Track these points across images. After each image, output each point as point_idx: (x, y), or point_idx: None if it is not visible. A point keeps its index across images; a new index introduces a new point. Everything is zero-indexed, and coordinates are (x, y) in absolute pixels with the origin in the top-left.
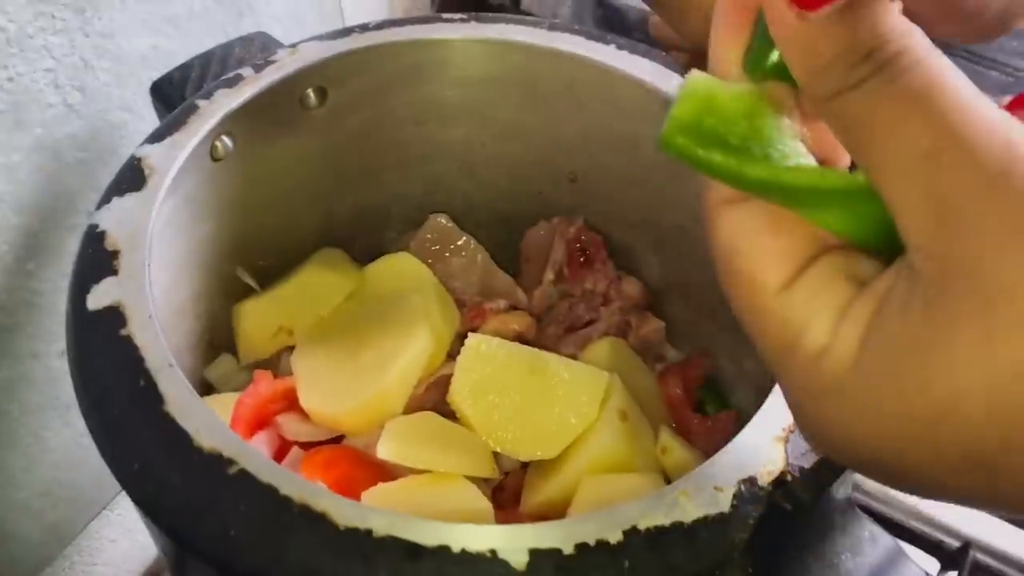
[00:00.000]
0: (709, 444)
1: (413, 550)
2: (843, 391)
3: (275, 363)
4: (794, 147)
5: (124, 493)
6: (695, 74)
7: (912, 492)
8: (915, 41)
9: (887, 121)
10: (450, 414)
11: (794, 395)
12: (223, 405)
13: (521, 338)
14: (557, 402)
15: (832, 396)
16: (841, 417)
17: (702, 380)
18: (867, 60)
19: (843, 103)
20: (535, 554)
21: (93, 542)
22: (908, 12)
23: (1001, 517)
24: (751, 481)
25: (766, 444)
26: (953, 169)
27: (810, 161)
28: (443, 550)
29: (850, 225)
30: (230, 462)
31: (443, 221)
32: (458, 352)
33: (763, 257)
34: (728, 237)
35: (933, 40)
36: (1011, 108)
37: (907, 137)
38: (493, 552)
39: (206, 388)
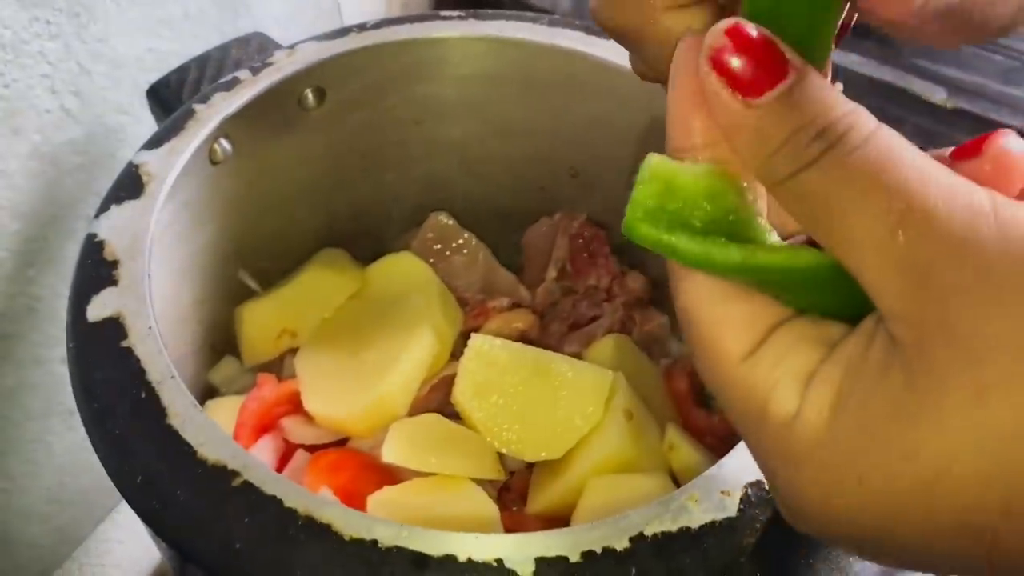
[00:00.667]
0: (716, 440)
1: (419, 560)
2: (817, 457)
3: (278, 365)
4: (758, 225)
5: None
6: (653, 157)
7: (899, 566)
8: (863, 117)
9: (847, 196)
10: (454, 415)
11: (767, 464)
12: (227, 409)
13: (524, 336)
14: (562, 402)
15: (806, 463)
16: (817, 486)
17: None
18: (818, 138)
19: (798, 183)
20: (541, 563)
21: (101, 544)
22: (912, 28)
23: None
24: (759, 485)
25: None
26: (921, 237)
27: (775, 237)
28: (450, 560)
29: (821, 301)
30: (234, 474)
31: (444, 219)
32: (461, 352)
33: (724, 326)
34: (688, 306)
35: (926, 44)
36: (955, 156)
37: (870, 210)
38: (499, 561)
39: (210, 391)
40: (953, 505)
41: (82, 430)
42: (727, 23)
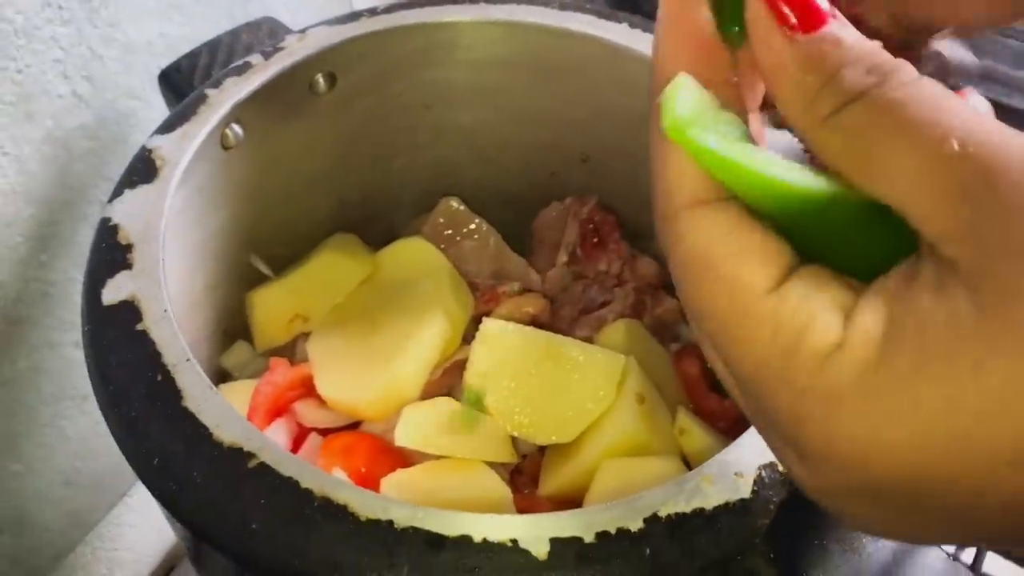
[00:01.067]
0: (727, 424)
1: (435, 541)
2: (867, 387)
3: (291, 350)
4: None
5: None
6: (684, 75)
7: (926, 538)
8: (909, 65)
9: (897, 125)
10: None
11: (798, 406)
12: (240, 393)
13: (535, 321)
14: (573, 386)
15: (851, 395)
16: (863, 418)
17: None
18: (870, 73)
19: (843, 117)
20: (556, 543)
21: (113, 528)
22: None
23: None
24: (772, 467)
25: None
26: (980, 164)
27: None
28: (464, 540)
29: (839, 251)
30: (250, 456)
31: (455, 204)
32: (473, 336)
33: (749, 257)
34: (703, 239)
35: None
36: None
37: (924, 138)
38: (514, 542)
39: (222, 376)
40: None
41: (95, 414)
42: None
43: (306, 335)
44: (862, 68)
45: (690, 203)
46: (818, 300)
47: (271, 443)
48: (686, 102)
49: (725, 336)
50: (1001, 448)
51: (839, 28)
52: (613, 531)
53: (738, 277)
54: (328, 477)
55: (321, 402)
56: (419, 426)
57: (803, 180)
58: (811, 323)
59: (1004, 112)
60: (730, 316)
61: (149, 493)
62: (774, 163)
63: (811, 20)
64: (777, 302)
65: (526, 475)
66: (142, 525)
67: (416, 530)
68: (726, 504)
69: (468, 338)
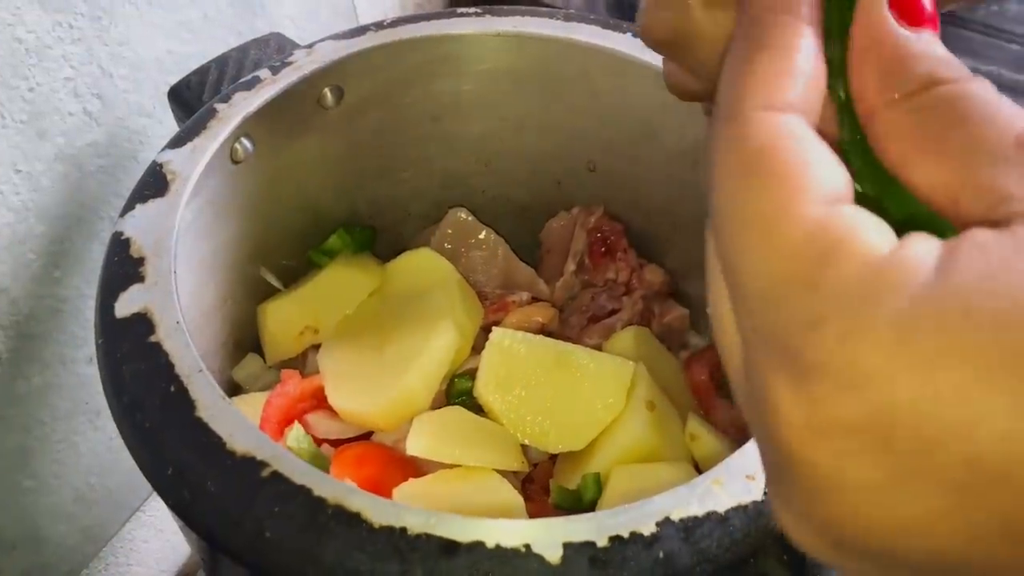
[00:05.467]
0: (737, 431)
1: (448, 547)
2: (920, 279)
3: (301, 362)
4: None
5: (156, 494)
6: None
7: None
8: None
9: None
10: (477, 408)
11: (825, 307)
12: (252, 405)
13: (544, 330)
14: (584, 394)
15: (901, 290)
16: (908, 311)
17: None
18: (948, 69)
19: (922, 98)
20: (569, 548)
21: (127, 544)
22: None
23: None
24: None
25: None
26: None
27: None
28: (478, 546)
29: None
30: (263, 465)
31: (463, 215)
32: (482, 346)
33: (814, 165)
34: (770, 138)
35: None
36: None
37: (995, 125)
38: (527, 547)
39: (234, 388)
40: None
41: (108, 430)
42: None
43: (317, 347)
44: (944, 65)
45: (763, 106)
46: (871, 218)
47: (284, 452)
48: None
49: (749, 236)
50: None
51: (933, 37)
52: (626, 535)
53: (795, 179)
54: (341, 485)
55: (332, 413)
56: (430, 436)
57: None
58: (867, 224)
59: None
60: (767, 215)
61: (162, 508)
62: None
63: (915, 17)
64: (829, 207)
65: (537, 483)
66: (155, 540)
67: (429, 536)
68: (738, 507)
69: (478, 348)
